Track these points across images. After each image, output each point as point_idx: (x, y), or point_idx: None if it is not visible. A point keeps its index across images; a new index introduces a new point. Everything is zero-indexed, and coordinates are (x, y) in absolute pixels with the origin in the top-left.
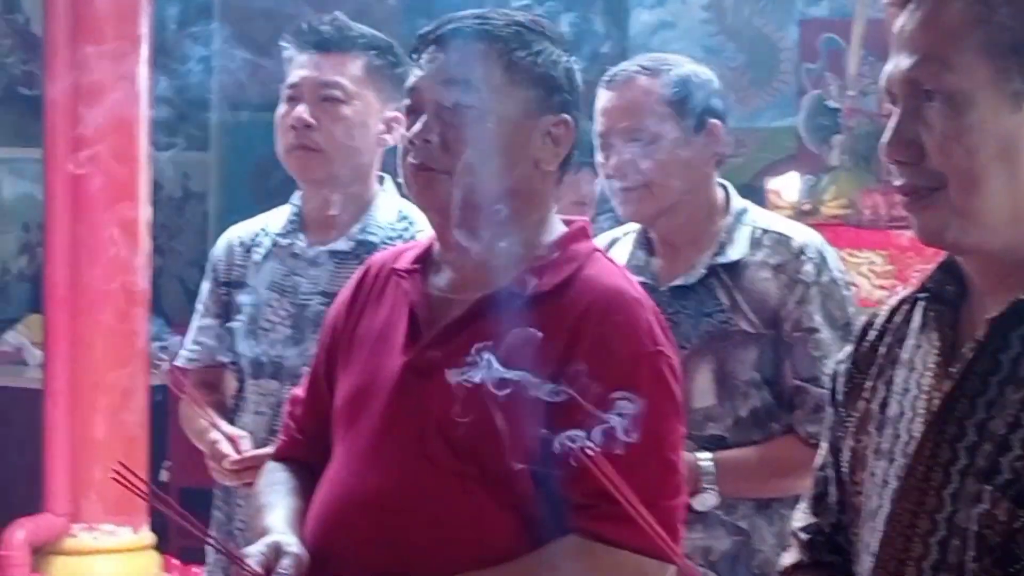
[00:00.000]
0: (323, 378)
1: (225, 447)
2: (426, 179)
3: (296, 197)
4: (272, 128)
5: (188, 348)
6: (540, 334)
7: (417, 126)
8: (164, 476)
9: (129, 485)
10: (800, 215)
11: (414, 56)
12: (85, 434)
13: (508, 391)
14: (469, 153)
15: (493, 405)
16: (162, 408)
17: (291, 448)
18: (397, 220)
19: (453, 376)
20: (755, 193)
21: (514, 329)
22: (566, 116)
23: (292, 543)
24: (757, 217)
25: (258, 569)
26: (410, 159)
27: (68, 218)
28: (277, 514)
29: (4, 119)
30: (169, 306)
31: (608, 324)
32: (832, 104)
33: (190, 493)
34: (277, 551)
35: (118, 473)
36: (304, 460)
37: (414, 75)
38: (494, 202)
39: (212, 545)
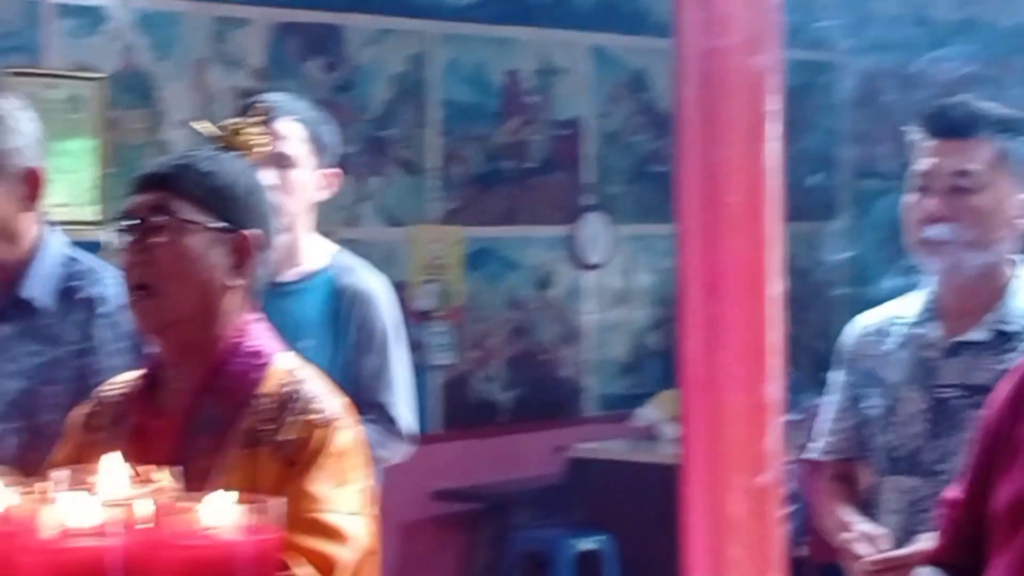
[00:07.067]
0: (981, 480)
1: (862, 546)
2: None
3: (929, 284)
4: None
5: (821, 440)
6: None
7: None
8: (803, 551)
9: None
10: None
11: None
12: (722, 512)
13: None
14: None
15: None
16: (796, 479)
17: (948, 552)
18: None
19: None
20: None
21: None
22: None
23: None
24: None
25: None
26: None
27: (700, 294)
28: None
29: (635, 196)
30: (799, 379)
31: None
32: None
33: (831, 570)
34: None
35: None
36: (961, 565)
37: None
38: None
39: None
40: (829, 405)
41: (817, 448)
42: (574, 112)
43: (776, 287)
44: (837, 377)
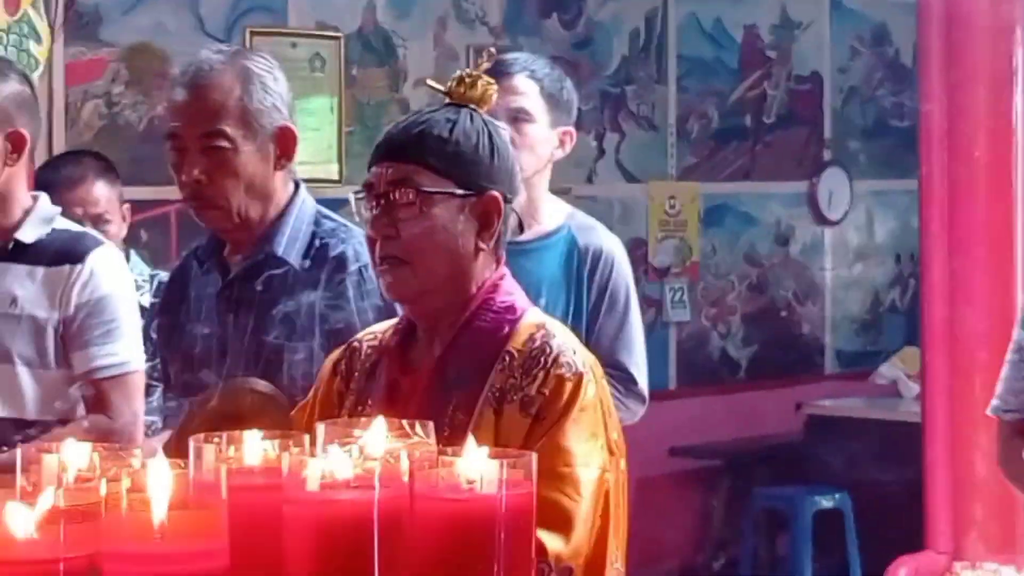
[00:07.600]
0: None
1: None
2: None
3: None
4: None
5: (1001, 397)
6: None
7: None
8: None
9: None
10: None
11: None
12: (965, 470)
13: None
14: None
15: None
16: None
17: None
18: None
19: None
20: None
21: None
22: None
23: None
24: None
25: None
26: None
27: (944, 251)
28: None
29: (875, 151)
30: None
31: None
32: None
33: None
34: None
35: None
36: None
37: None
38: None
39: None
40: (1009, 364)
41: (996, 405)
42: (813, 66)
43: (1021, 247)
44: (1018, 335)
